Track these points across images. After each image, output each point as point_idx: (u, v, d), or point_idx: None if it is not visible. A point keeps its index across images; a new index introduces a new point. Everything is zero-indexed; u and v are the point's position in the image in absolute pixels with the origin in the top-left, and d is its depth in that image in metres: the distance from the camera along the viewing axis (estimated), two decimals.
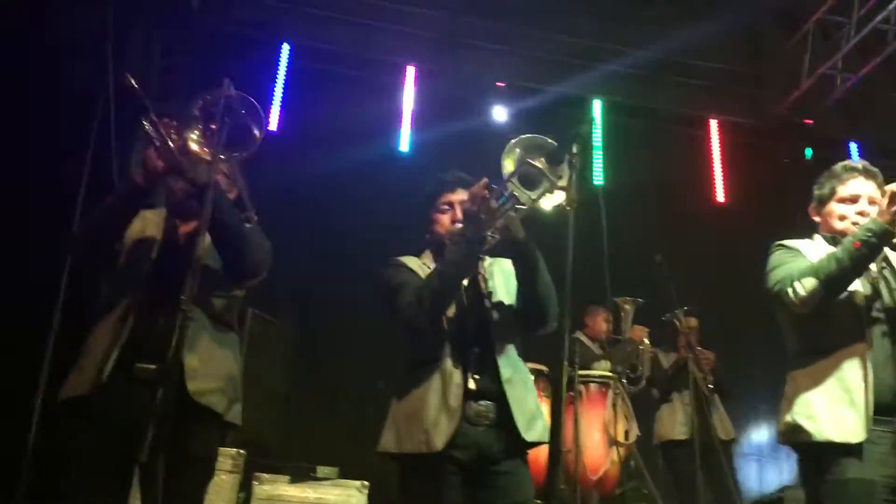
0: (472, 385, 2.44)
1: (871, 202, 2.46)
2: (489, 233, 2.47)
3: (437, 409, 2.39)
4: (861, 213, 2.45)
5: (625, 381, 4.80)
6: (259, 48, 6.41)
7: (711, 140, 7.28)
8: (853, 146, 7.13)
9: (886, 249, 2.48)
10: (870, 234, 2.26)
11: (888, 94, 7.49)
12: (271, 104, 6.36)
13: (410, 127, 6.61)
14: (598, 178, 6.96)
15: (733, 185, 7.09)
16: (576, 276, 5.80)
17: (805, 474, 2.36)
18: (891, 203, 2.26)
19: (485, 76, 6.90)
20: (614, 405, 4.45)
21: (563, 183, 2.36)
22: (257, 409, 4.25)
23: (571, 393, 4.38)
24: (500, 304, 2.59)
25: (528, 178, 2.39)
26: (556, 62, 6.94)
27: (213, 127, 2.30)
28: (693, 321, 5.09)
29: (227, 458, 3.36)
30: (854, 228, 2.41)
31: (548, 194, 2.36)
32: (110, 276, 2.47)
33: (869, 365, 2.26)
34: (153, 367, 2.26)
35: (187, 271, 2.16)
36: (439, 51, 6.90)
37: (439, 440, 2.35)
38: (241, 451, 3.45)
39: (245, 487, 3.49)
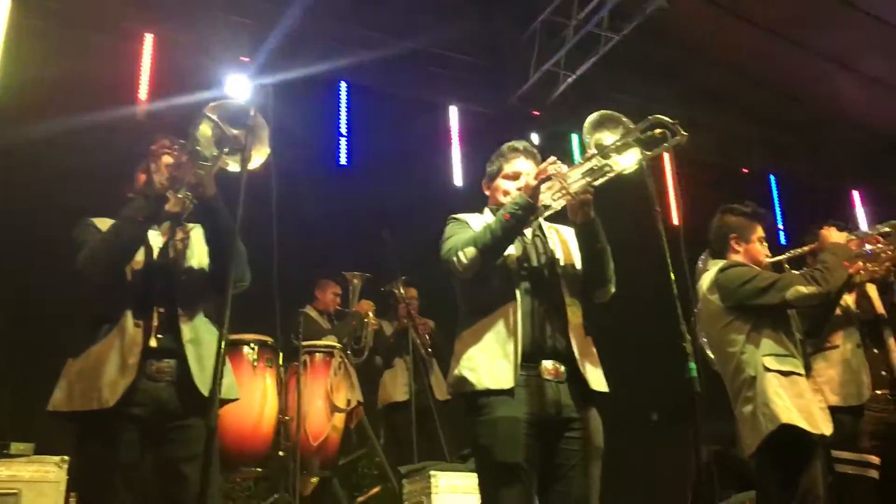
0: (153, 343, 2.52)
1: None
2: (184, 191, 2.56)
3: (113, 366, 2.44)
4: (518, 190, 2.73)
5: (349, 352, 5.02)
6: None
7: (451, 125, 7.74)
8: (574, 137, 7.87)
9: (543, 221, 2.84)
10: (516, 208, 2.56)
11: (607, 93, 8.37)
12: None
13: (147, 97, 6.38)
14: (343, 159, 7.17)
15: (469, 168, 7.58)
16: (311, 250, 5.93)
17: (466, 418, 2.63)
18: (536, 178, 2.58)
19: (229, 49, 6.80)
20: (336, 373, 4.62)
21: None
22: None
23: (295, 363, 4.54)
24: (190, 267, 2.69)
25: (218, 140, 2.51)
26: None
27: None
28: (412, 291, 5.43)
29: None
30: None
31: (231, 156, 2.48)
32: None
33: (518, 321, 2.57)
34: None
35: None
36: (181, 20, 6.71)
37: (112, 397, 2.40)
38: None
39: None
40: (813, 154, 9.28)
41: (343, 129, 7.24)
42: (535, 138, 7.47)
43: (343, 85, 7.36)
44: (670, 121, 2.40)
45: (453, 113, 7.85)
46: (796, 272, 3.48)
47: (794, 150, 9.26)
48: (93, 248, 2.53)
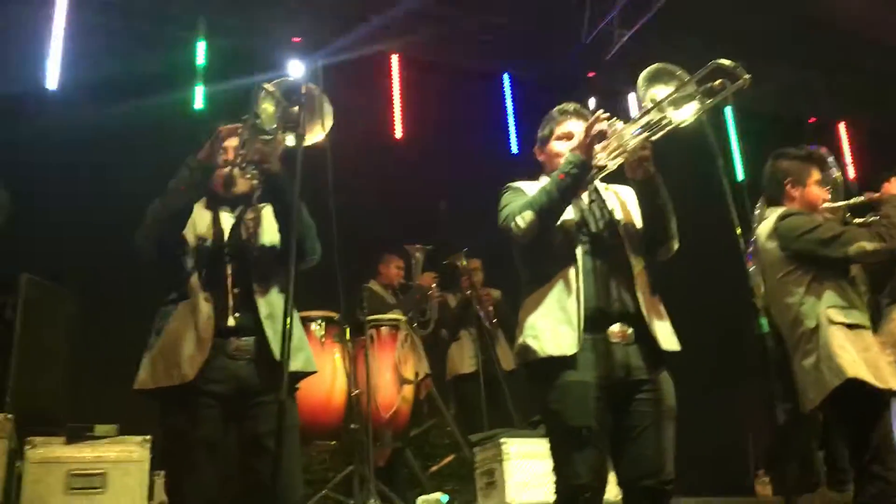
0: (231, 322, 2.58)
1: None
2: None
3: (190, 342, 2.51)
4: (571, 150, 2.64)
5: (415, 325, 5.05)
6: None
7: (504, 93, 7.66)
8: (631, 97, 7.70)
9: (600, 185, 2.80)
10: (571, 166, 2.52)
11: (663, 50, 8.16)
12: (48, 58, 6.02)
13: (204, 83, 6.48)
14: (398, 132, 7.18)
15: (526, 136, 7.49)
16: (370, 225, 5.98)
17: (534, 387, 2.62)
18: (586, 137, 2.53)
19: (281, 31, 6.86)
20: (403, 346, 4.66)
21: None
22: (37, 375, 4.14)
23: (362, 337, 4.59)
24: (263, 245, 2.74)
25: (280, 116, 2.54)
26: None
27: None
28: (475, 262, 5.42)
29: None
30: None
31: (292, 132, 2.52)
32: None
33: (580, 284, 2.53)
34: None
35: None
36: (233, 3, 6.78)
37: (191, 371, 2.47)
38: (9, 416, 3.36)
39: (20, 454, 3.41)
40: (884, 101, 8.88)
41: (397, 103, 7.22)
42: (591, 102, 7.33)
43: (395, 58, 7.32)
44: (730, 63, 2.31)
45: (507, 81, 7.75)
46: (858, 226, 3.34)
47: (863, 97, 8.88)
48: (144, 223, 2.61)
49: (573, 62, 7.59)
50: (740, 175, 7.97)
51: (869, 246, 3.11)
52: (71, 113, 5.74)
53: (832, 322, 3.09)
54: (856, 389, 2.98)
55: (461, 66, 7.50)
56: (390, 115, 7.21)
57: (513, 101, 7.75)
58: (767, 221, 3.34)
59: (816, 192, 3.38)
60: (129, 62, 6.03)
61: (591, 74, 7.72)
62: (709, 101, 2.41)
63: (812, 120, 8.73)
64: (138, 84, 5.86)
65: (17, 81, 5.71)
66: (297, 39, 6.87)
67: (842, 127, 8.94)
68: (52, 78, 5.99)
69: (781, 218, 3.27)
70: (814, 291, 3.16)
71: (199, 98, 6.48)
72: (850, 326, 3.10)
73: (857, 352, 3.04)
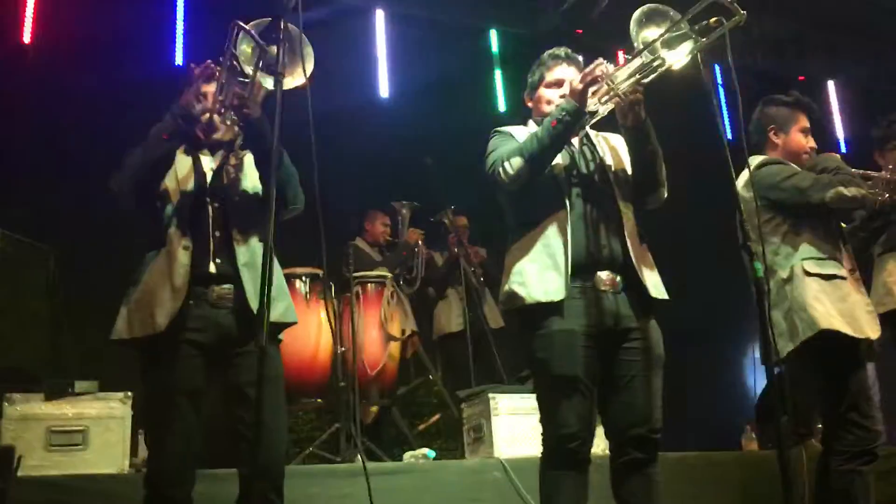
0: (212, 269, 2.53)
1: None
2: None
3: (166, 291, 2.45)
4: (564, 97, 2.59)
5: (401, 282, 5.00)
6: None
7: (491, 49, 7.54)
8: (620, 53, 7.59)
9: (591, 131, 2.73)
10: (564, 113, 2.45)
11: (649, 3, 8.04)
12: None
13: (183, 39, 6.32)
14: (383, 88, 7.06)
15: (513, 93, 7.39)
16: (355, 181, 5.88)
17: (520, 334, 2.57)
18: (582, 82, 2.46)
19: None
20: (389, 303, 4.61)
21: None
22: (16, 332, 4.08)
23: (348, 294, 4.54)
24: (244, 191, 2.66)
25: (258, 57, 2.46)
26: None
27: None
28: (462, 219, 5.37)
29: None
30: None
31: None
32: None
33: (569, 229, 2.48)
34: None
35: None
36: None
37: (164, 321, 2.42)
38: None
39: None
40: (875, 60, 8.81)
41: (382, 59, 7.09)
42: (580, 59, 7.22)
43: (380, 14, 7.17)
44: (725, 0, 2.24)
45: (493, 36, 7.63)
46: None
47: (853, 54, 8.80)
48: (122, 169, 2.54)
49: (561, 18, 7.46)
50: (729, 133, 7.91)
51: (847, 192, 3.05)
52: (44, 70, 5.59)
53: (808, 273, 3.05)
54: (829, 340, 2.95)
55: (447, 22, 7.36)
56: (375, 72, 7.08)
57: (499, 58, 7.62)
58: (744, 172, 3.29)
59: (800, 139, 3.29)
60: (105, 17, 5.87)
61: (578, 32, 7.59)
62: (704, 40, 2.34)
63: (801, 78, 8.66)
64: (115, 40, 5.71)
65: None
66: None
67: (831, 85, 8.86)
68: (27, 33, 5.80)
69: (759, 167, 3.20)
70: (790, 241, 3.12)
71: (178, 53, 6.32)
72: (826, 277, 3.06)
73: (832, 303, 3.00)
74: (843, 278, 3.09)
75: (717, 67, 7.79)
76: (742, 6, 2.32)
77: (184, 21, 6.34)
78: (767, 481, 3.15)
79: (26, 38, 5.80)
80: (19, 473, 2.97)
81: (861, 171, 3.31)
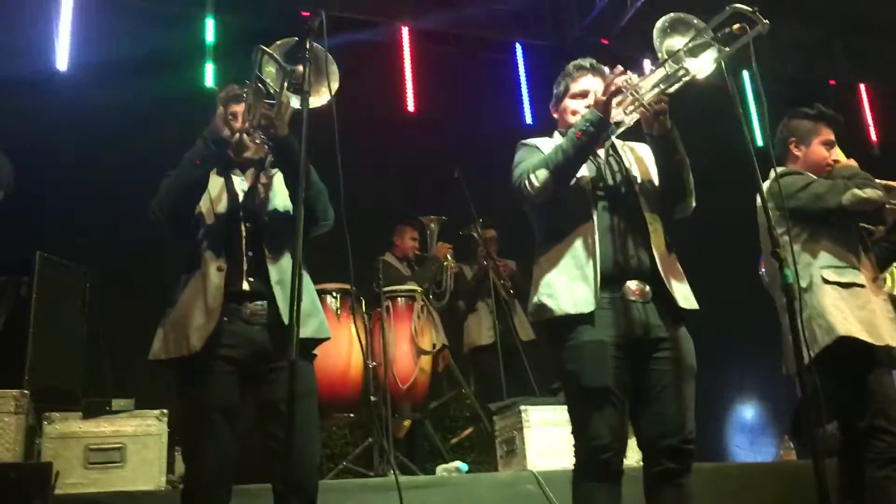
0: (245, 287, 2.56)
1: None
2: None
3: (200, 311, 2.49)
4: (588, 108, 2.58)
5: (431, 296, 5.02)
6: None
7: (517, 63, 7.56)
8: (646, 63, 7.57)
9: (616, 142, 2.73)
10: (588, 124, 2.46)
11: (675, 11, 8.01)
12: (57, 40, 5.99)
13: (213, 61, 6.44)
14: (410, 104, 7.11)
15: (539, 105, 7.40)
16: (384, 197, 5.95)
17: (550, 346, 2.57)
18: (605, 93, 2.47)
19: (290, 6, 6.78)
20: (419, 317, 4.62)
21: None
22: (54, 352, 4.16)
23: (378, 309, 4.56)
24: (275, 210, 2.70)
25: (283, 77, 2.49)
26: None
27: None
28: (491, 232, 5.38)
29: (10, 400, 3.27)
30: None
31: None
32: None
33: (596, 241, 2.48)
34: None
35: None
36: None
37: (199, 342, 2.45)
38: (25, 392, 3.36)
39: (39, 431, 3.42)
40: None
41: (409, 76, 7.15)
42: (605, 70, 7.21)
43: (405, 31, 7.24)
44: (748, 8, 2.24)
45: (519, 50, 7.65)
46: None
47: (885, 57, 8.68)
48: (158, 194, 2.59)
49: (586, 30, 7.46)
50: (759, 141, 7.84)
51: (863, 193, 3.04)
52: (81, 93, 5.73)
53: (826, 282, 3.04)
54: (848, 347, 2.92)
55: (473, 36, 7.40)
56: (402, 88, 7.13)
57: (525, 72, 7.64)
58: (765, 183, 3.27)
59: (821, 152, 3.28)
60: (137, 41, 6.01)
61: (604, 42, 7.59)
62: (728, 49, 2.34)
63: (832, 82, 8.56)
64: (148, 63, 5.83)
65: (27, 64, 5.70)
66: (306, 14, 6.78)
67: (863, 88, 8.74)
68: (62, 59, 5.95)
69: (777, 178, 3.19)
70: (809, 249, 3.11)
71: (209, 76, 6.43)
72: (844, 286, 3.04)
73: (851, 310, 2.98)
74: (861, 286, 3.07)
75: (745, 74, 7.77)
76: (769, 11, 2.31)
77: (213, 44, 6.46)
78: (803, 492, 3.09)
79: (62, 66, 5.94)
80: (57, 491, 3.02)
81: (884, 182, 3.27)
